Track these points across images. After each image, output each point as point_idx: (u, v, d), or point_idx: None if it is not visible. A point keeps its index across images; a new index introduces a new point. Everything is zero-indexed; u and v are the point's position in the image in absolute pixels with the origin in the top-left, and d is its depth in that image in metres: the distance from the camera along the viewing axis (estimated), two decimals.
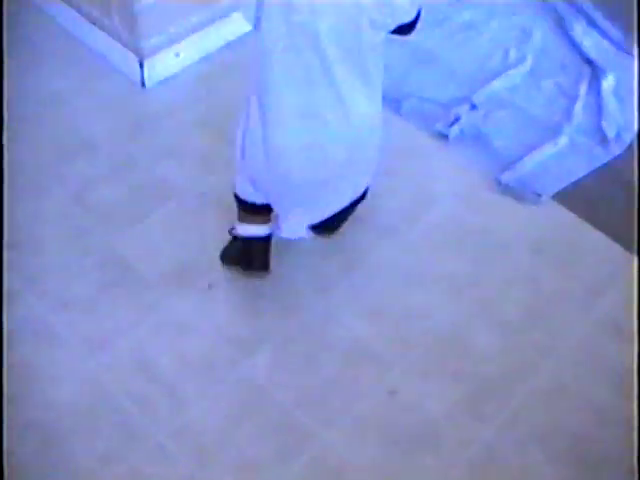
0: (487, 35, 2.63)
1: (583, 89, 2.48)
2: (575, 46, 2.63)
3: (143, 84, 2.43)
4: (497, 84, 2.46)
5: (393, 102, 2.36)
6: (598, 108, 2.43)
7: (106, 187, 2.21)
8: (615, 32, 2.68)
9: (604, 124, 2.38)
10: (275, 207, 1.99)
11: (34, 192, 2.17)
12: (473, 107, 2.37)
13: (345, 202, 2.04)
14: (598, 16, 2.72)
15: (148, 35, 2.39)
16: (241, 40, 2.54)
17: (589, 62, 2.58)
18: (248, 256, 2.03)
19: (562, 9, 2.75)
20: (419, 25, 1.79)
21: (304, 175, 1.91)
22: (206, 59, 2.51)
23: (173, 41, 2.44)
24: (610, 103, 2.44)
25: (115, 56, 2.49)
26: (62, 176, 2.22)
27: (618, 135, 2.36)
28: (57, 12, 2.60)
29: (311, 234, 2.08)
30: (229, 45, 2.54)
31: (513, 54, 2.58)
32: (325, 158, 1.87)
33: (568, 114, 2.40)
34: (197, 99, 2.41)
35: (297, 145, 1.86)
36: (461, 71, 2.45)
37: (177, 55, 2.46)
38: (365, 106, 1.84)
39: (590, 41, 2.65)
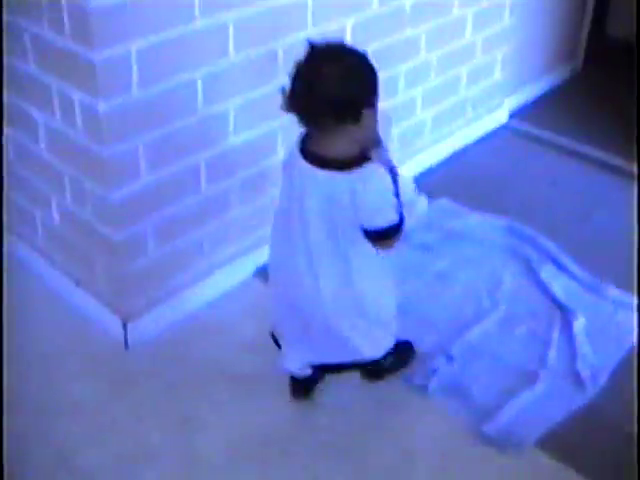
0: (460, 284, 2.73)
1: (555, 333, 2.55)
2: (545, 290, 2.73)
3: (126, 345, 2.48)
4: (472, 333, 2.52)
5: None
6: (572, 351, 2.48)
7: (90, 449, 2.19)
8: (583, 274, 2.80)
9: (579, 367, 2.42)
10: (278, 336, 2.26)
11: (17, 453, 2.14)
12: (450, 359, 2.42)
13: (341, 358, 2.22)
14: (565, 259, 2.85)
15: (132, 298, 2.47)
16: (222, 300, 2.64)
17: (559, 305, 2.66)
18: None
19: (530, 254, 2.88)
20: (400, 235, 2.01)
21: (289, 315, 2.16)
22: (188, 319, 2.57)
23: (156, 302, 2.52)
24: (583, 345, 2.50)
25: (99, 317, 2.55)
26: (46, 437, 2.21)
27: (593, 377, 2.39)
28: (42, 272, 2.70)
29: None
30: (210, 305, 2.63)
31: (486, 302, 2.66)
32: (303, 311, 2.11)
33: (543, 360, 2.45)
34: (180, 359, 2.46)
35: (281, 287, 2.17)
36: (436, 321, 2.53)
37: (160, 316, 2.52)
38: (335, 285, 2.04)
39: (559, 284, 2.75)
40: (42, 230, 2.67)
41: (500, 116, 3.81)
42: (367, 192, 1.89)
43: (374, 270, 2.09)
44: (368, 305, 2.11)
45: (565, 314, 2.62)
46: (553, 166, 3.52)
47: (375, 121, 1.93)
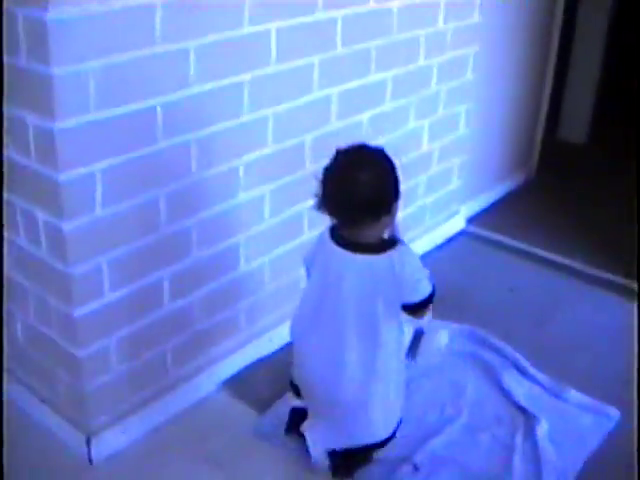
0: (422, 392, 2.73)
1: (519, 439, 2.55)
2: (508, 395, 2.74)
3: (90, 461, 2.45)
4: (436, 442, 2.52)
5: None
6: (536, 456, 2.48)
7: None
8: (545, 378, 2.83)
9: (544, 472, 2.42)
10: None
11: None
12: (415, 468, 2.41)
13: (358, 440, 2.33)
14: (526, 364, 2.88)
15: (95, 413, 2.46)
16: (188, 413, 2.63)
17: (523, 410, 2.67)
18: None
19: (492, 360, 2.90)
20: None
21: (309, 384, 2.33)
22: (153, 433, 2.56)
23: (120, 417, 2.50)
24: (547, 449, 2.50)
25: (63, 433, 2.53)
26: None
27: None
28: (8, 387, 2.67)
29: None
30: (176, 418, 2.61)
31: (449, 410, 2.67)
32: (318, 385, 2.29)
33: (507, 466, 2.45)
34: (145, 474, 2.43)
35: (300, 357, 2.35)
36: (400, 430, 2.53)
37: (124, 431, 2.51)
38: (356, 371, 2.23)
39: (521, 389, 2.77)
40: (6, 346, 2.66)
41: (458, 223, 3.90)
42: (406, 270, 2.15)
43: (396, 346, 2.31)
44: (386, 380, 2.28)
45: (528, 419, 2.63)
46: (511, 270, 3.59)
47: (398, 207, 2.18)
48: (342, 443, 2.35)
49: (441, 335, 2.83)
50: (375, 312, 2.18)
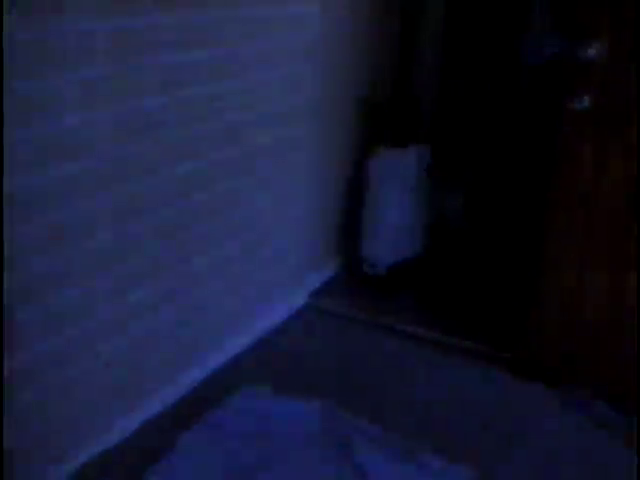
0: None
1: None
2: (363, 474, 2.70)
3: None
4: None
5: None
6: None
7: None
8: (400, 444, 2.83)
9: None
10: None
11: None
12: None
13: None
14: (379, 433, 2.88)
15: None
16: None
17: None
18: None
19: (345, 435, 2.86)
20: None
21: None
22: None
23: None
24: None
25: None
26: None
27: None
28: None
29: None
30: None
31: None
32: None
33: None
34: None
35: None
36: None
37: None
38: None
39: (375, 462, 2.74)
40: None
41: (302, 296, 3.90)
42: None
43: None
44: None
45: None
46: (357, 340, 3.61)
47: None
48: None
49: None
50: None
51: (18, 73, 2.10)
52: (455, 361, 3.47)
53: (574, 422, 3.09)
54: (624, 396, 3.12)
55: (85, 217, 2.47)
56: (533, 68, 3.95)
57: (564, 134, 3.06)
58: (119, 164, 2.55)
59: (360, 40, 3.95)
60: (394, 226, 4.03)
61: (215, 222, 3.10)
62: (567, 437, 3.00)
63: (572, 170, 3.07)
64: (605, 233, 3.09)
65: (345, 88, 3.94)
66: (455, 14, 4.27)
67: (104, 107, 2.44)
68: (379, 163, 4.00)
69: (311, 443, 2.85)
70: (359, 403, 3.07)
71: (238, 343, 3.42)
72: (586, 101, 2.98)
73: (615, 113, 2.97)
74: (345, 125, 4.04)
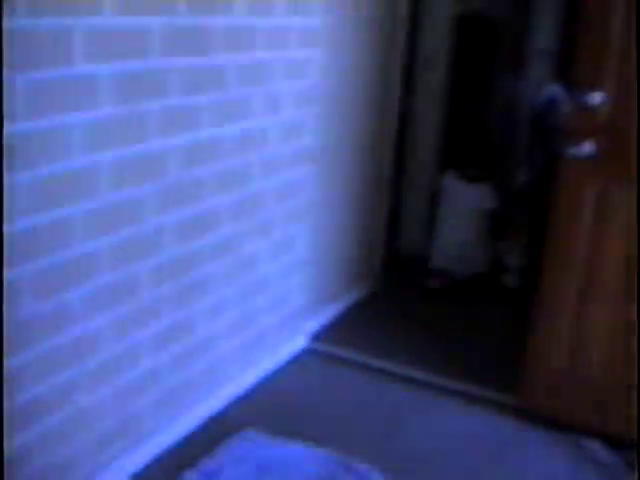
0: None
1: None
2: None
3: None
4: None
5: None
6: None
7: None
8: None
9: None
10: None
11: None
12: None
13: None
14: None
15: None
16: None
17: None
18: None
19: None
20: None
21: None
22: None
23: None
24: None
25: None
26: None
27: None
28: None
29: None
30: None
31: None
32: None
33: None
34: None
35: None
36: None
37: None
38: None
39: None
40: None
41: (301, 340, 3.88)
42: None
43: None
44: None
45: None
46: (357, 384, 3.58)
47: None
48: None
49: None
50: None
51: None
52: (454, 406, 3.45)
53: (574, 466, 3.07)
54: (622, 438, 3.11)
55: (84, 258, 2.47)
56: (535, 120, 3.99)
57: (564, 180, 3.08)
58: (120, 206, 2.56)
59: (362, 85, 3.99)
60: (461, 243, 4.69)
61: (214, 266, 3.09)
62: None
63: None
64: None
65: (347, 132, 3.96)
66: (457, 64, 4.32)
67: (106, 149, 2.45)
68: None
69: None
70: (359, 449, 3.03)
71: (235, 388, 3.40)
72: (588, 148, 2.99)
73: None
74: (347, 168, 4.06)
